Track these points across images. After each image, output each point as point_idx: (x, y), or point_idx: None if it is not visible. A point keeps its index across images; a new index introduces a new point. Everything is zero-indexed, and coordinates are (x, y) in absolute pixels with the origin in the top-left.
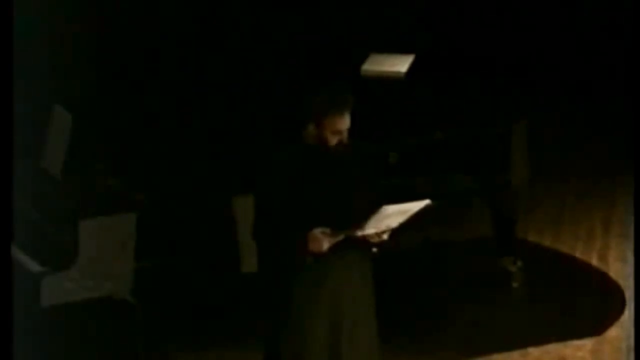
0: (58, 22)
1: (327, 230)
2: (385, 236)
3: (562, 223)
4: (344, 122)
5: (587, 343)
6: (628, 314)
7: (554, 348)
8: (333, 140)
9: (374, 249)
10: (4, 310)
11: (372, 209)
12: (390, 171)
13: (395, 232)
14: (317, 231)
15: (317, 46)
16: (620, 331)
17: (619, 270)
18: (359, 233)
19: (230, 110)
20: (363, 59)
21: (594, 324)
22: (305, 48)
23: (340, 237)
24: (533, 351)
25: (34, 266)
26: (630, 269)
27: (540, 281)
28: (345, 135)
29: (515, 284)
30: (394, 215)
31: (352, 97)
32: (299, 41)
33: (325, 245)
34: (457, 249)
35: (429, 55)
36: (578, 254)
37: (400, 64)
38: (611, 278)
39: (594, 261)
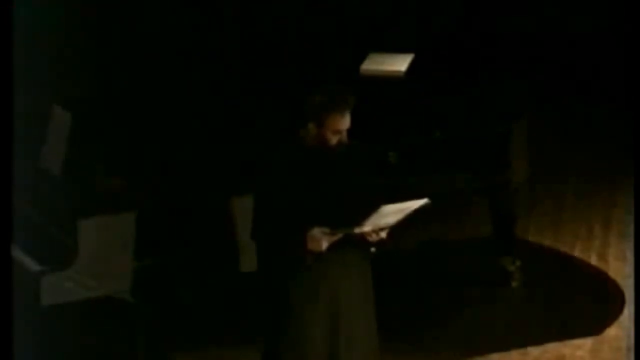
0: (58, 22)
1: (326, 229)
2: (383, 234)
3: (562, 222)
4: (345, 122)
5: (587, 342)
6: (627, 313)
7: (553, 347)
8: (333, 140)
9: (373, 249)
10: (4, 310)
11: (371, 208)
12: (390, 171)
13: (394, 230)
14: (316, 231)
15: (318, 46)
16: (619, 330)
17: (619, 270)
18: (357, 230)
19: (230, 110)
20: (362, 58)
21: (593, 323)
22: (305, 47)
23: (339, 236)
24: (532, 350)
25: (34, 266)
26: (629, 268)
27: (540, 281)
28: (345, 135)
29: (514, 284)
30: (392, 213)
31: (353, 97)
32: (299, 41)
33: (325, 244)
34: (457, 249)
35: (429, 54)
36: (577, 254)
37: (400, 63)
38: (610, 277)
39: (593, 260)
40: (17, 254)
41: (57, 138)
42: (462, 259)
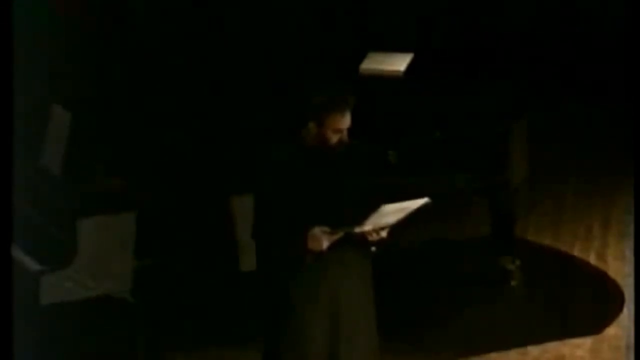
0: (58, 22)
1: (327, 229)
2: (383, 233)
3: (561, 222)
4: (345, 121)
5: (586, 342)
6: (627, 312)
7: (552, 347)
8: (333, 139)
9: (373, 248)
10: (4, 310)
11: (371, 207)
12: (389, 170)
13: (394, 230)
14: (317, 230)
15: (317, 45)
16: (618, 330)
17: (618, 269)
18: (358, 230)
19: (230, 109)
20: (362, 57)
21: (593, 322)
22: (305, 47)
23: (340, 235)
24: (532, 350)
25: (33, 265)
26: (628, 267)
27: (539, 280)
28: (345, 134)
29: (513, 283)
30: (392, 213)
31: (353, 96)
32: (299, 41)
33: (325, 243)
34: (456, 248)
35: (428, 54)
36: (577, 253)
37: (399, 63)
38: (610, 277)
39: (593, 260)
40: (17, 253)
41: (56, 138)
42: (462, 258)
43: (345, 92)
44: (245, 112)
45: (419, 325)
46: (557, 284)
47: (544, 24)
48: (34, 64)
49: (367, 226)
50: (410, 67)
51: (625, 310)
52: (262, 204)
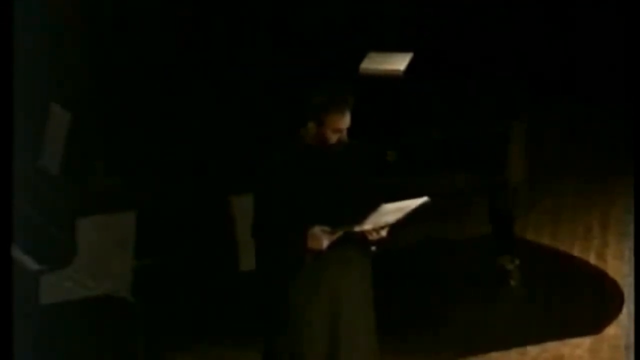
0: (58, 22)
1: (327, 228)
2: (383, 232)
3: (561, 221)
4: (345, 121)
5: (585, 341)
6: (627, 312)
7: (552, 346)
8: (333, 139)
9: (373, 247)
10: (4, 309)
11: (370, 206)
12: (388, 170)
13: (394, 229)
14: (317, 229)
15: (317, 45)
16: (618, 329)
17: (617, 269)
18: (357, 229)
19: (230, 109)
20: (361, 57)
21: (592, 322)
22: (305, 47)
23: (339, 234)
24: (531, 350)
25: (33, 265)
26: (628, 267)
27: (538, 280)
28: (344, 134)
29: (513, 283)
30: (392, 212)
31: (352, 96)
32: (299, 40)
33: (325, 243)
34: (456, 248)
35: (427, 53)
36: (576, 253)
37: (399, 62)
38: (609, 276)
39: (592, 259)
40: (17, 253)
41: (56, 137)
42: (462, 258)
43: (345, 92)
44: (245, 112)
45: (419, 325)
46: (556, 283)
47: (544, 24)
48: (34, 64)
49: (367, 225)
50: (410, 67)
51: (624, 310)
52: (262, 203)
